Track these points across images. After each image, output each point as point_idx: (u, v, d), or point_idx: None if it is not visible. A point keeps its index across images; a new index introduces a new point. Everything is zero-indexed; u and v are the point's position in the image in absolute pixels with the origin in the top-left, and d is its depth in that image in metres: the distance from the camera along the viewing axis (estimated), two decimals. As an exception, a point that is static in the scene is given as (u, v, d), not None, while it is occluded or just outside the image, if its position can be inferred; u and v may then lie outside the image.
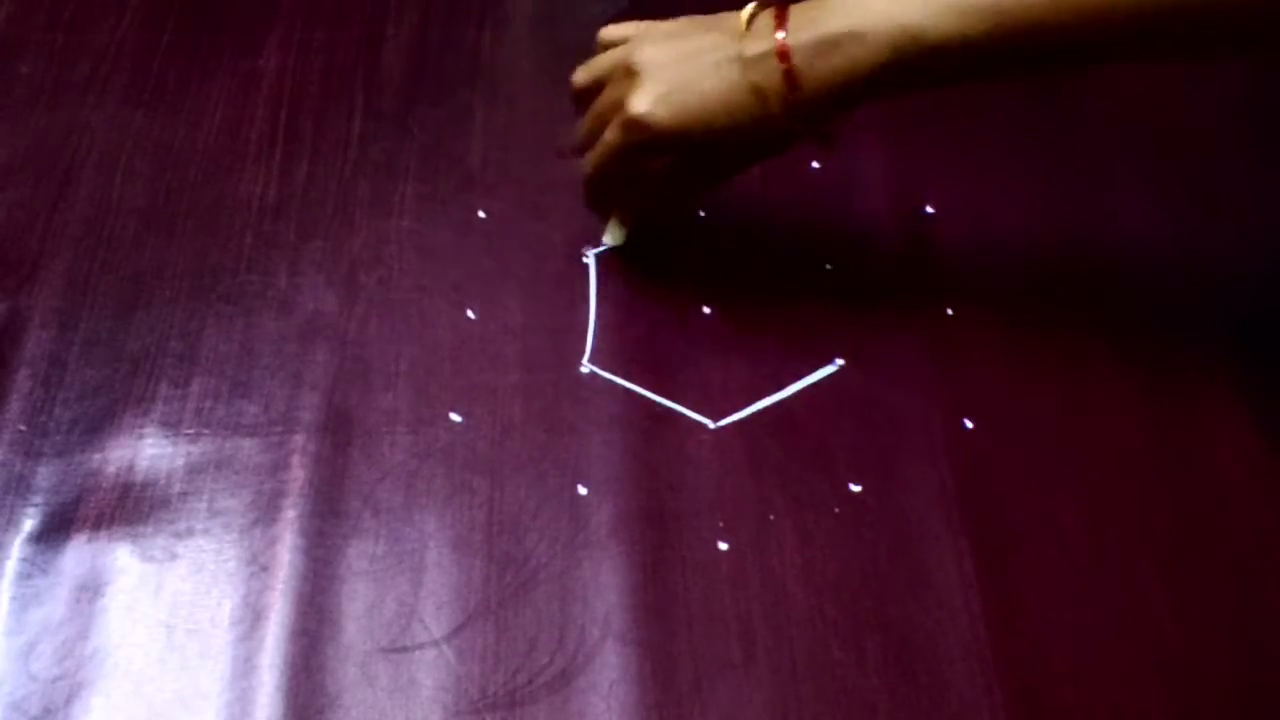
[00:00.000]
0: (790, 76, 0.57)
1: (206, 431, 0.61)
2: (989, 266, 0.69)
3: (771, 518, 0.59)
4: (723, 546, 0.58)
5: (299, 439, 0.61)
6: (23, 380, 0.62)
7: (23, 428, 0.61)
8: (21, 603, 0.56)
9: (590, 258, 0.68)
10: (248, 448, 0.61)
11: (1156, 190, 0.73)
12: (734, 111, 0.59)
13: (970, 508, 0.60)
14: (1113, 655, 0.56)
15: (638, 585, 0.57)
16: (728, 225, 0.70)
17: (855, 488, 0.60)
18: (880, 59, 0.56)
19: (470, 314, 0.66)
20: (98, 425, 0.61)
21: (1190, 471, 0.62)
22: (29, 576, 0.56)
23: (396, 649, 0.55)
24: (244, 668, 0.54)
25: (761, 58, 0.58)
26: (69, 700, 0.53)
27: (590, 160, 0.64)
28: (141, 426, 0.61)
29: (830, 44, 0.57)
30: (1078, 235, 0.71)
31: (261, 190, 0.71)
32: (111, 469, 0.60)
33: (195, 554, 0.57)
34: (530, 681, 0.54)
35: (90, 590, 0.56)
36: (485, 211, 0.70)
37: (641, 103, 0.60)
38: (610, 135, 0.62)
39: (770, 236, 0.70)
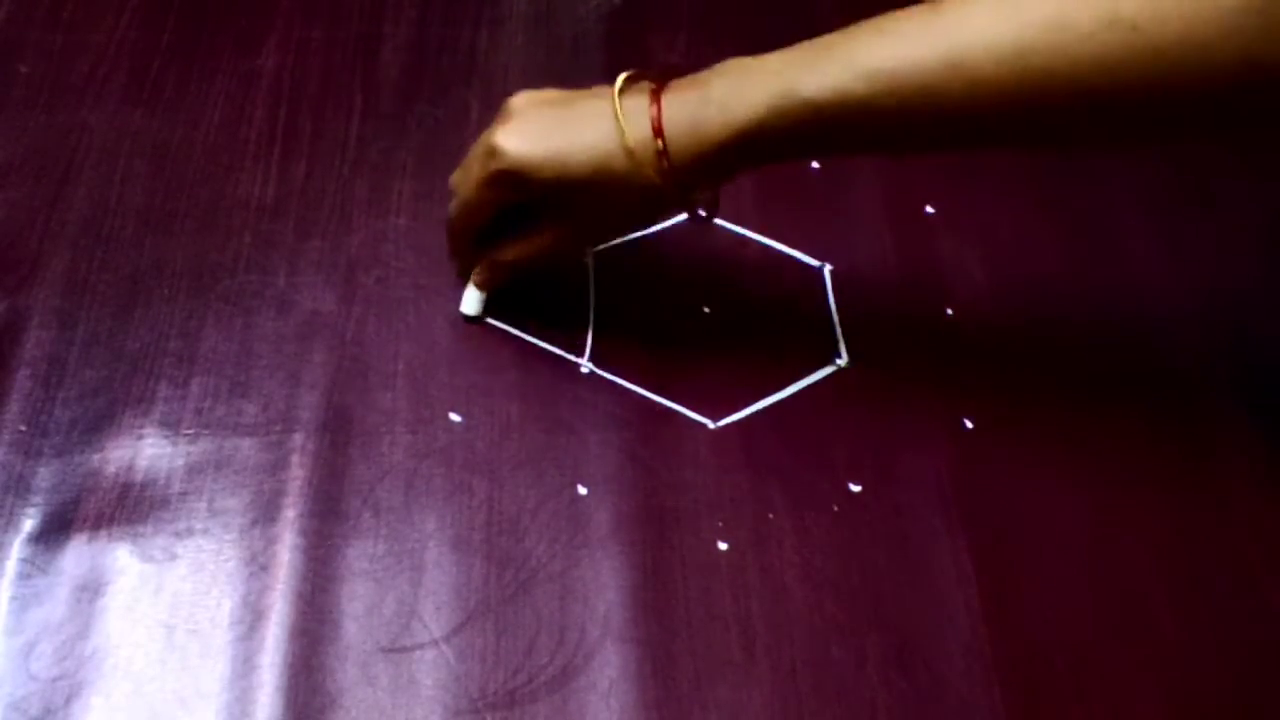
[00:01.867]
0: (664, 151, 0.56)
1: (206, 431, 0.61)
2: (989, 266, 0.69)
3: (771, 517, 0.59)
4: (722, 546, 0.58)
5: (298, 439, 0.61)
6: (23, 380, 0.62)
7: (23, 428, 0.61)
8: (21, 603, 0.55)
9: (589, 257, 0.68)
10: (247, 447, 0.61)
11: (1153, 189, 0.74)
12: (604, 165, 0.57)
13: (969, 507, 0.60)
14: (1113, 655, 0.56)
15: (637, 585, 0.57)
16: (727, 225, 0.70)
17: (855, 487, 0.61)
18: (755, 122, 0.54)
19: (469, 313, 0.66)
20: (97, 425, 0.61)
21: (1190, 471, 0.62)
22: (29, 576, 0.56)
23: (396, 649, 0.55)
24: (244, 668, 0.54)
25: (636, 126, 0.56)
26: (69, 700, 0.53)
27: (454, 198, 0.63)
28: (141, 426, 0.61)
29: (701, 119, 0.55)
30: (1076, 234, 0.71)
31: (260, 190, 0.71)
32: (111, 469, 0.60)
33: (195, 554, 0.57)
34: (530, 681, 0.54)
35: (90, 590, 0.56)
36: (484, 211, 0.70)
37: (505, 135, 0.58)
38: (474, 166, 0.60)
39: (770, 236, 0.70)
